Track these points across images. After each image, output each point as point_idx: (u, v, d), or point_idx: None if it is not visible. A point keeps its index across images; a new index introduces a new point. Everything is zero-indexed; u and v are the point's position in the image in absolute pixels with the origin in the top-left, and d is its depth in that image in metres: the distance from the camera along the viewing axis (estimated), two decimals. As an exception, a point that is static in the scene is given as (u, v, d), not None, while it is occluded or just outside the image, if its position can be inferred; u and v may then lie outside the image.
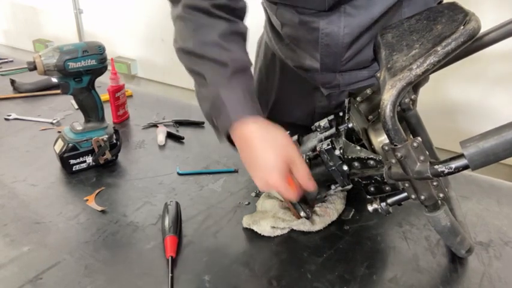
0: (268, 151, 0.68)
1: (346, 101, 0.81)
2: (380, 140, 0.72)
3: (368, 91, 0.82)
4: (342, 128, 0.76)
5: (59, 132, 1.03)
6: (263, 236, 0.78)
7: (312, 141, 0.80)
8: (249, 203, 0.87)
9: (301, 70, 1.01)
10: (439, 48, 0.56)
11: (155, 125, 1.17)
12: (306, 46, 0.94)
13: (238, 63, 0.73)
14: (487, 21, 0.70)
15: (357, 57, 0.93)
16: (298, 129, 0.87)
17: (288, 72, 1.06)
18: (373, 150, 0.72)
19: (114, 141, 0.99)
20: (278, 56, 1.07)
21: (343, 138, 0.72)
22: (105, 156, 0.97)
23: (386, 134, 0.59)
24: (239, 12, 0.79)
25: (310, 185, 0.70)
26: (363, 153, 0.69)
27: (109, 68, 1.05)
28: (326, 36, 0.88)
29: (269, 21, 1.04)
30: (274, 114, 1.12)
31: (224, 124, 0.71)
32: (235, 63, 0.73)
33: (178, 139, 1.11)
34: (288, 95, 1.09)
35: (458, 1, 0.69)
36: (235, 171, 0.97)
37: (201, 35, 0.75)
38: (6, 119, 1.18)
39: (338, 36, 0.87)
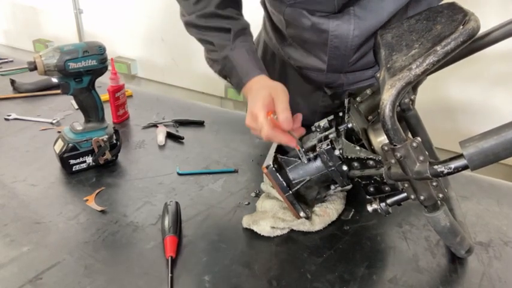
0: (260, 91, 0.78)
1: (346, 101, 0.81)
2: (379, 140, 0.72)
3: (368, 91, 0.82)
4: (341, 128, 0.76)
5: (59, 132, 1.03)
6: (263, 236, 0.78)
7: (312, 141, 0.80)
8: (249, 203, 0.87)
9: (304, 70, 1.01)
10: (438, 48, 0.56)
11: (155, 125, 1.17)
12: (313, 47, 0.94)
13: (239, 25, 0.86)
14: (487, 21, 0.70)
15: (363, 59, 0.93)
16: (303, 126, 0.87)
17: (289, 72, 1.06)
18: (373, 151, 0.72)
19: (114, 141, 0.99)
20: (279, 56, 1.07)
21: (343, 139, 0.72)
22: (105, 157, 0.97)
23: (386, 134, 0.59)
24: None
25: (284, 117, 0.73)
26: (363, 154, 0.69)
27: (109, 68, 1.05)
28: (335, 38, 0.88)
29: (270, 20, 1.04)
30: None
31: (237, 83, 0.85)
32: (235, 26, 0.85)
33: (178, 139, 1.11)
34: (290, 95, 1.09)
35: (458, 1, 0.69)
36: (235, 171, 0.98)
37: (200, 8, 0.86)
38: (6, 119, 1.18)
39: (347, 38, 0.87)
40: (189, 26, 0.90)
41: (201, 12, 0.86)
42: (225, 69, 0.87)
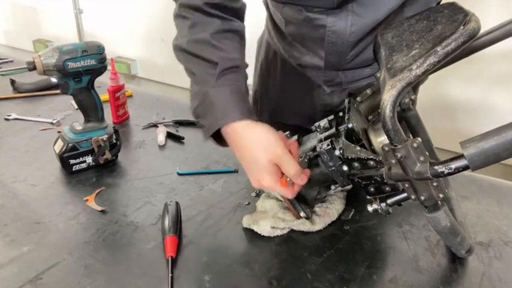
0: (255, 152, 0.69)
1: (346, 101, 0.81)
2: (380, 140, 0.72)
3: (368, 91, 0.82)
4: (341, 128, 0.76)
5: (59, 132, 1.03)
6: (263, 236, 0.78)
7: (312, 141, 0.80)
8: (249, 203, 0.87)
9: (303, 68, 1.01)
10: (439, 49, 0.56)
11: (155, 125, 1.17)
12: (311, 44, 0.95)
13: (228, 63, 0.73)
14: (487, 21, 0.70)
15: (360, 56, 0.93)
16: (302, 128, 0.87)
17: (290, 71, 1.06)
18: (373, 151, 0.72)
19: (114, 141, 0.99)
20: (280, 55, 1.07)
21: (343, 139, 0.72)
22: (105, 156, 0.97)
23: (386, 135, 0.59)
24: (235, 11, 0.79)
25: (301, 180, 0.70)
26: (363, 154, 0.69)
27: (109, 68, 1.05)
28: (332, 34, 0.88)
29: (271, 19, 1.04)
30: (276, 113, 1.12)
31: (210, 124, 0.72)
32: (224, 62, 0.73)
33: (178, 139, 1.11)
34: (290, 94, 1.09)
35: (458, 1, 0.69)
36: (235, 171, 0.97)
37: (194, 33, 0.76)
38: (6, 119, 1.18)
39: (344, 34, 0.88)
40: (178, 50, 0.78)
41: (194, 37, 0.75)
42: (202, 107, 0.73)
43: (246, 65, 0.78)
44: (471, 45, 0.71)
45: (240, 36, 0.79)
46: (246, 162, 0.72)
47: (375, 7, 0.84)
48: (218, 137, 0.75)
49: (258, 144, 0.69)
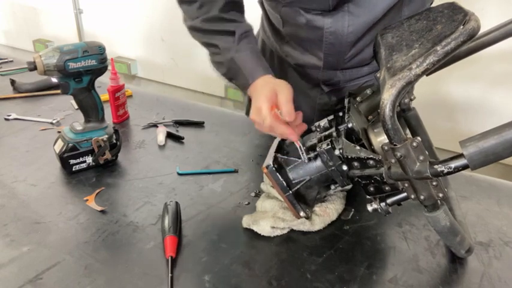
0: (264, 86, 0.79)
1: (346, 101, 0.81)
2: (380, 140, 0.72)
3: (368, 91, 0.82)
4: (341, 128, 0.76)
5: (59, 132, 1.03)
6: (263, 236, 0.78)
7: (312, 141, 0.80)
8: (249, 203, 0.87)
9: (301, 68, 1.02)
10: (438, 48, 0.56)
11: (155, 125, 1.17)
12: (309, 44, 0.95)
13: (242, 28, 0.87)
14: (487, 21, 0.70)
15: (358, 56, 0.93)
16: None
17: (287, 70, 1.06)
18: (373, 150, 0.72)
19: (114, 141, 0.99)
20: (277, 54, 1.07)
21: (343, 138, 0.72)
22: (105, 156, 0.97)
23: (386, 134, 0.59)
24: None
25: (287, 110, 0.74)
26: (363, 153, 0.69)
27: (109, 68, 1.05)
28: (330, 35, 0.89)
29: (267, 19, 1.05)
30: None
31: (243, 84, 0.86)
32: (240, 29, 0.86)
33: (178, 139, 1.11)
34: None
35: (458, 1, 0.69)
36: (235, 171, 0.98)
37: (204, 12, 0.87)
38: (6, 119, 1.18)
39: (342, 35, 0.88)
40: (194, 30, 0.91)
41: (205, 16, 0.87)
42: (231, 72, 0.87)
43: (252, 27, 0.89)
44: (471, 46, 0.71)
45: (240, 6, 0.90)
46: (254, 98, 0.81)
47: (371, 7, 0.84)
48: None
49: (271, 80, 0.82)
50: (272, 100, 0.76)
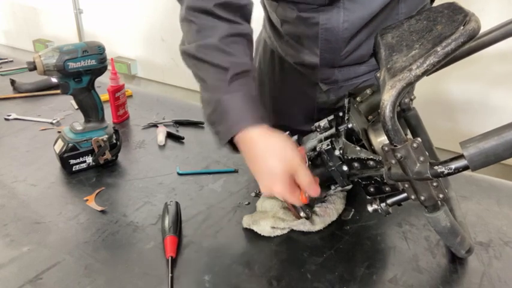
0: (270, 160, 0.68)
1: (346, 101, 0.81)
2: (380, 140, 0.72)
3: (368, 91, 0.82)
4: (341, 128, 0.76)
5: (59, 132, 1.03)
6: (263, 236, 0.78)
7: (312, 141, 0.80)
8: (249, 203, 0.87)
9: (300, 66, 1.02)
10: (439, 49, 0.56)
11: (155, 125, 1.17)
12: (306, 42, 0.95)
13: (239, 67, 0.72)
14: (487, 21, 0.70)
15: (355, 53, 0.93)
16: (300, 127, 0.87)
17: (288, 69, 1.07)
18: (373, 151, 0.72)
19: (114, 141, 0.99)
20: (277, 53, 1.07)
21: (343, 139, 0.72)
22: (105, 156, 0.97)
23: (386, 135, 0.59)
24: (244, 11, 0.78)
25: (314, 192, 0.70)
26: (363, 154, 0.69)
27: (109, 68, 1.05)
28: (326, 32, 0.89)
29: (268, 19, 1.05)
30: (275, 112, 1.12)
31: (225, 131, 0.72)
32: (235, 67, 0.72)
33: (178, 139, 1.11)
34: (288, 92, 1.10)
35: (458, 1, 0.69)
36: (235, 171, 0.98)
37: (202, 38, 0.74)
38: (6, 119, 1.18)
39: (338, 31, 0.88)
40: (187, 56, 0.77)
41: (202, 42, 0.74)
42: (215, 114, 0.73)
43: (255, 68, 0.77)
44: (471, 46, 0.71)
45: (247, 39, 0.78)
46: (259, 170, 0.71)
47: (367, 2, 0.84)
48: (232, 143, 0.74)
49: (274, 153, 0.69)
50: (290, 184, 0.68)
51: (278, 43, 1.04)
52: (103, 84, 1.20)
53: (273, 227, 0.78)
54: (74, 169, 0.95)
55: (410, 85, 0.57)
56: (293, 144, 0.71)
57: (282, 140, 0.70)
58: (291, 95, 1.09)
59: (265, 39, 1.11)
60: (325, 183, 0.78)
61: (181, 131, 1.14)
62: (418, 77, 0.56)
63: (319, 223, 0.80)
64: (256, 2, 1.04)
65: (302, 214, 0.77)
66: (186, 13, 0.76)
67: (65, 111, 1.23)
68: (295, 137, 0.81)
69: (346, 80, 1.00)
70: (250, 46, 0.78)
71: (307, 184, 0.68)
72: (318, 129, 0.80)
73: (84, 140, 0.95)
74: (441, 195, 0.62)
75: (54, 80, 0.92)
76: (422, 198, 0.63)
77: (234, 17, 0.76)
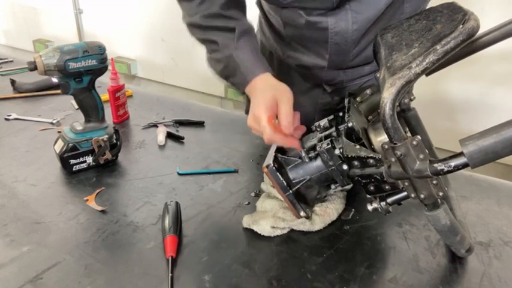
0: (266, 90, 0.78)
1: (346, 101, 0.81)
2: (380, 139, 0.72)
3: (368, 91, 0.82)
4: (341, 127, 0.76)
5: (59, 132, 1.03)
6: (263, 236, 0.78)
7: (312, 141, 0.80)
8: (249, 203, 0.87)
9: (303, 68, 1.01)
10: (438, 47, 0.56)
11: (155, 125, 1.17)
12: (313, 45, 0.95)
13: (243, 26, 0.85)
14: (487, 21, 0.70)
15: (362, 54, 0.93)
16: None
17: (287, 71, 1.06)
18: (373, 150, 0.72)
19: (114, 141, 0.99)
20: (276, 55, 1.07)
21: (343, 138, 0.72)
22: (105, 156, 0.97)
23: (386, 133, 0.59)
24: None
25: (286, 121, 0.73)
26: (363, 152, 0.69)
27: (109, 68, 1.05)
28: (335, 35, 0.89)
29: (266, 21, 1.04)
30: None
31: (240, 81, 0.83)
32: (240, 26, 0.84)
33: (178, 139, 1.11)
34: None
35: (457, 1, 0.69)
36: (235, 171, 0.98)
37: (204, 9, 0.85)
38: (6, 119, 1.18)
39: (347, 33, 0.88)
40: (193, 26, 0.88)
41: (205, 13, 0.85)
42: (228, 69, 0.85)
43: (253, 27, 0.87)
44: (471, 46, 0.71)
45: (241, 3, 0.88)
46: (252, 101, 0.79)
47: (372, 2, 0.84)
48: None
49: (271, 87, 0.79)
50: (272, 110, 0.75)
51: (278, 45, 1.04)
52: (103, 84, 1.20)
53: (273, 227, 0.78)
54: (74, 169, 0.95)
55: (410, 83, 0.57)
56: (288, 88, 0.78)
57: (281, 83, 0.79)
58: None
59: (261, 40, 1.11)
60: (325, 182, 0.78)
61: (181, 131, 1.14)
62: (418, 75, 0.56)
63: (319, 223, 0.80)
64: (252, 2, 1.04)
65: (302, 214, 0.77)
66: None
67: (65, 111, 1.23)
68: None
69: (351, 80, 1.00)
70: (244, 8, 0.90)
71: (284, 113, 0.74)
72: (318, 129, 0.80)
73: (84, 140, 0.95)
74: (441, 193, 0.62)
75: (54, 80, 0.92)
76: (422, 196, 0.63)
77: None
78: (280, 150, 0.81)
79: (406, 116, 0.82)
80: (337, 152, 0.71)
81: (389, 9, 0.86)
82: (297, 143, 0.75)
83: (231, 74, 0.85)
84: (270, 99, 0.75)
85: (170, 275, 0.69)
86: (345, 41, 0.89)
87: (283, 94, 0.76)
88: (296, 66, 1.02)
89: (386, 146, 0.61)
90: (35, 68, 0.88)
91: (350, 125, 0.74)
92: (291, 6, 0.89)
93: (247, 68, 0.82)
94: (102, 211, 0.84)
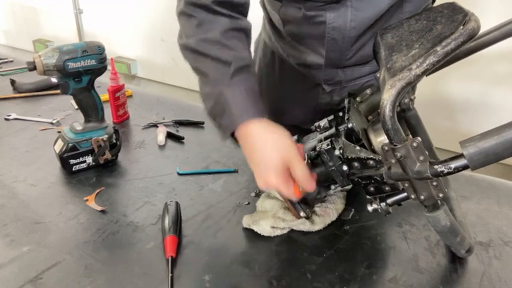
0: (267, 151, 0.69)
1: (346, 101, 0.81)
2: (380, 140, 0.72)
3: (368, 91, 0.82)
4: (341, 128, 0.76)
5: (59, 132, 1.03)
6: (263, 236, 0.78)
7: (312, 141, 0.80)
8: (249, 203, 0.87)
9: (303, 67, 1.01)
10: (438, 48, 0.56)
11: (155, 125, 1.17)
12: (311, 42, 0.94)
13: (241, 62, 0.73)
14: (487, 21, 0.70)
15: (360, 52, 0.93)
16: (301, 127, 0.87)
17: (289, 70, 1.06)
18: (373, 151, 0.72)
19: (114, 141, 0.99)
20: (278, 54, 1.07)
21: (343, 138, 0.72)
22: (105, 156, 0.97)
23: (386, 134, 0.59)
24: (241, 8, 0.78)
25: (309, 186, 0.69)
26: (363, 153, 0.69)
27: (109, 68, 1.05)
28: (333, 30, 0.88)
29: (269, 19, 1.04)
30: (276, 114, 1.12)
31: (228, 124, 0.72)
32: (237, 62, 0.72)
33: (178, 139, 1.11)
34: (289, 93, 1.09)
35: (458, 1, 0.69)
36: (235, 171, 0.97)
37: (202, 32, 0.75)
38: (6, 119, 1.18)
39: (345, 30, 0.88)
40: (187, 50, 0.78)
41: (202, 36, 0.75)
42: (216, 108, 0.73)
43: (254, 63, 0.78)
44: (471, 46, 0.71)
45: (246, 34, 0.78)
46: (256, 161, 0.71)
47: (374, 1, 0.84)
48: (233, 136, 0.75)
49: (272, 145, 0.69)
50: (284, 175, 0.67)
51: (279, 44, 1.04)
52: (103, 84, 1.20)
53: (273, 227, 0.78)
54: (74, 169, 0.95)
55: (410, 85, 0.57)
56: (291, 139, 0.71)
57: (280, 133, 0.71)
58: (292, 96, 1.09)
59: (265, 40, 1.11)
60: (325, 183, 0.78)
61: (181, 131, 1.14)
62: (418, 77, 0.56)
63: (319, 223, 0.80)
64: (256, 3, 1.04)
65: (302, 214, 0.77)
66: (184, 7, 0.77)
67: (65, 111, 1.23)
68: (295, 136, 0.82)
69: (350, 80, 1.00)
70: (249, 41, 0.79)
71: (301, 176, 0.68)
72: (318, 129, 0.80)
73: (84, 140, 0.95)
74: (441, 195, 0.62)
75: (54, 79, 0.92)
76: (422, 197, 0.63)
77: (232, 13, 0.76)
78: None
79: (406, 116, 0.82)
80: (337, 152, 0.71)
81: (390, 9, 0.86)
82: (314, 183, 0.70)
83: (220, 114, 0.73)
84: (279, 165, 0.67)
85: (170, 275, 0.69)
86: (342, 37, 0.89)
87: (291, 154, 0.68)
88: (296, 65, 1.03)
89: (386, 148, 0.61)
90: (34, 68, 0.88)
91: (350, 125, 0.74)
92: (290, 1, 0.89)
93: (237, 109, 0.71)
94: (102, 211, 0.84)
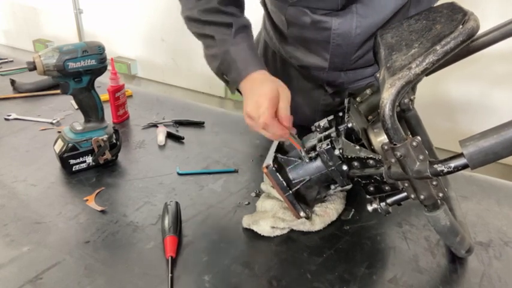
0: (265, 83, 0.78)
1: (346, 101, 0.81)
2: (380, 139, 0.72)
3: (368, 91, 0.82)
4: (341, 128, 0.76)
5: (59, 132, 1.03)
6: (263, 236, 0.78)
7: (312, 141, 0.80)
8: (249, 203, 0.87)
9: (305, 69, 1.01)
10: (438, 47, 0.56)
11: (155, 125, 1.17)
12: (315, 46, 0.94)
13: (240, 22, 0.85)
14: (487, 21, 0.70)
15: (364, 57, 0.93)
16: (302, 128, 0.87)
17: (290, 71, 1.06)
18: (373, 150, 0.72)
19: (114, 141, 0.99)
20: (279, 55, 1.07)
21: (343, 138, 0.72)
22: (105, 156, 0.97)
23: (386, 133, 0.59)
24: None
25: (285, 118, 0.74)
26: (363, 153, 0.69)
27: (109, 68, 1.05)
28: (338, 37, 0.89)
29: (270, 20, 1.04)
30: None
31: (235, 77, 0.83)
32: (237, 23, 0.84)
33: (178, 139, 1.11)
34: (290, 94, 1.09)
35: (457, 1, 0.69)
36: (235, 171, 0.98)
37: (202, 3, 0.86)
38: (6, 119, 1.18)
39: (350, 36, 0.88)
40: (190, 20, 0.88)
41: (203, 7, 0.85)
42: (224, 65, 0.84)
43: (250, 23, 0.88)
44: (470, 46, 0.71)
45: (240, 1, 0.89)
46: (251, 93, 0.78)
47: (379, 8, 0.84)
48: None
49: (272, 78, 0.80)
50: (274, 101, 0.74)
51: (281, 45, 1.04)
52: (103, 84, 1.20)
53: (273, 227, 0.78)
54: (74, 169, 0.95)
55: (409, 83, 0.57)
56: (289, 90, 0.78)
57: (278, 80, 0.80)
58: (293, 96, 1.08)
59: (265, 40, 1.11)
60: (325, 183, 0.78)
61: (181, 131, 1.14)
62: (418, 75, 0.56)
63: (319, 223, 0.80)
64: (256, 2, 1.04)
65: (302, 214, 0.77)
66: None
67: (65, 111, 1.23)
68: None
69: (352, 82, 1.00)
70: (242, 5, 0.90)
71: (284, 106, 0.75)
72: (318, 129, 0.80)
73: (84, 140, 0.95)
74: (441, 194, 0.62)
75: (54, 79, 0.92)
76: (421, 197, 0.63)
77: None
78: (280, 150, 0.81)
79: (406, 116, 0.82)
80: (336, 152, 0.71)
81: (395, 16, 0.86)
82: (288, 135, 0.75)
83: (227, 70, 0.84)
84: (273, 91, 0.75)
85: (170, 275, 0.69)
86: (346, 44, 0.89)
87: (284, 90, 0.77)
88: (298, 66, 1.02)
89: (386, 147, 0.61)
90: (34, 68, 0.88)
91: (350, 125, 0.74)
92: (297, 5, 0.89)
93: (243, 63, 0.82)
94: (102, 211, 0.84)
